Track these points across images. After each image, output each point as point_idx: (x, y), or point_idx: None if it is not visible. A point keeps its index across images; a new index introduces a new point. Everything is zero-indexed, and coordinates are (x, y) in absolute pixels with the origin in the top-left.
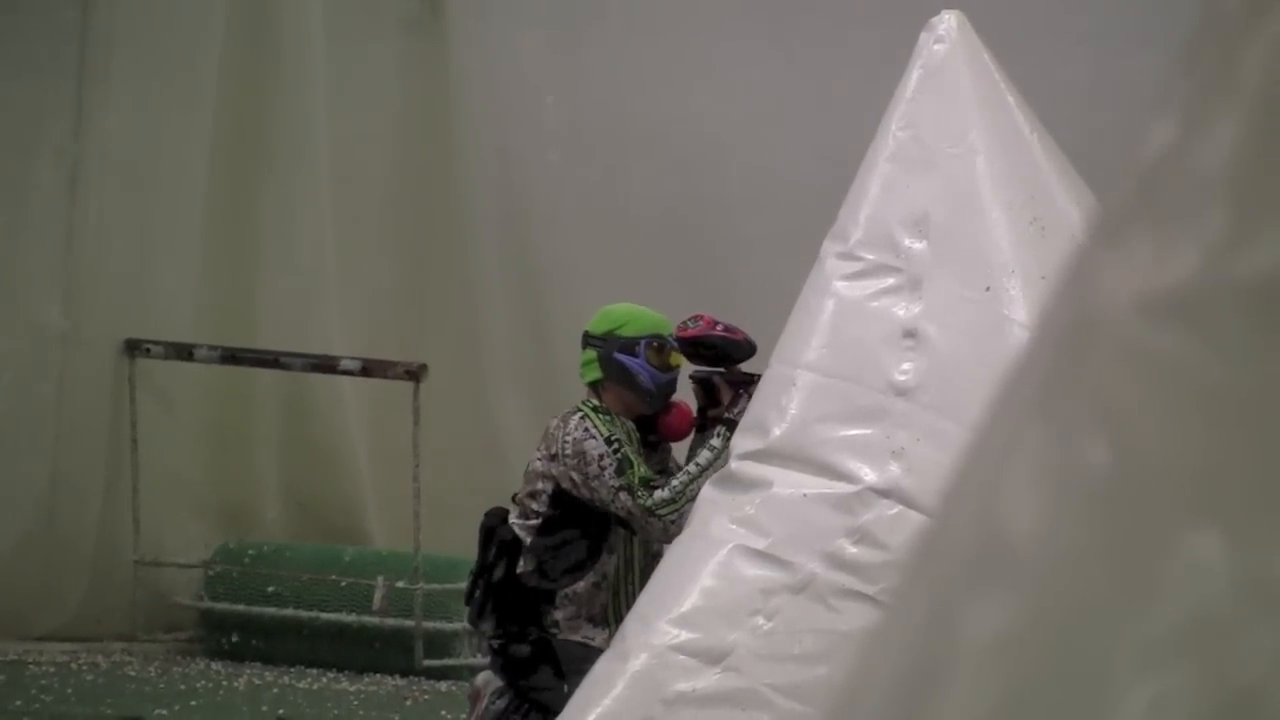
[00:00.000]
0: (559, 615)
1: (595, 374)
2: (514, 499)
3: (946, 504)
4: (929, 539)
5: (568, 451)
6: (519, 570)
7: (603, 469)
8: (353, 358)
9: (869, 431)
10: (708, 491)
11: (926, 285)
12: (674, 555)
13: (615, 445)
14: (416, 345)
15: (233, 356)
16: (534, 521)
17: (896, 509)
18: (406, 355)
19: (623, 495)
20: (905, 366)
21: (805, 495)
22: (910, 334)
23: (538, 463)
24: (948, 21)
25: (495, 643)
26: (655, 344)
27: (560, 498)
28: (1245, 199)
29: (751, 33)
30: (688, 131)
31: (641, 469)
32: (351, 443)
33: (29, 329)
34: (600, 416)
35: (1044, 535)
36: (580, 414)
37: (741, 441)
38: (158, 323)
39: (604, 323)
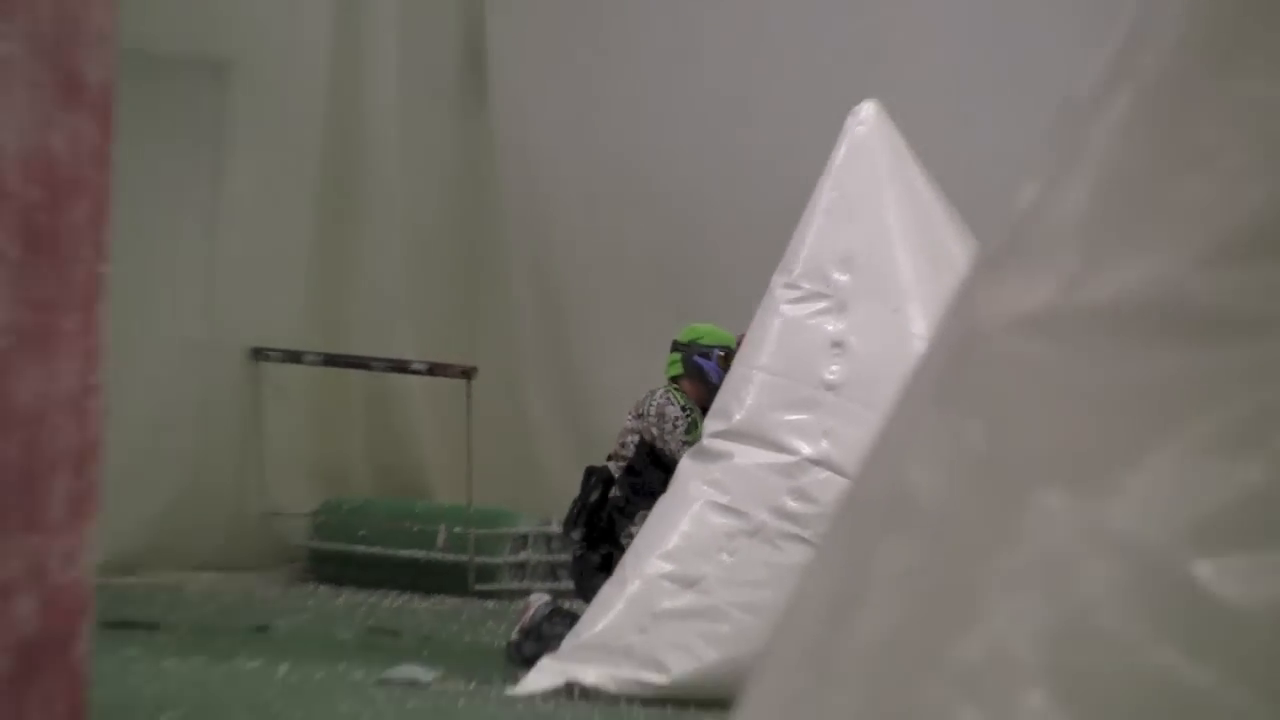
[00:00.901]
0: (633, 529)
1: (678, 370)
2: (610, 456)
3: (864, 470)
4: (850, 496)
5: (652, 413)
6: (611, 495)
7: (675, 427)
8: (420, 361)
9: (806, 417)
10: (685, 462)
11: (850, 308)
12: (661, 508)
13: (687, 413)
14: (469, 352)
15: (331, 360)
16: (623, 463)
17: (826, 474)
18: (461, 359)
19: (686, 448)
20: (833, 368)
21: (758, 464)
22: (837, 344)
23: (628, 421)
24: (868, 109)
25: (578, 549)
26: (723, 353)
27: (643, 447)
28: (1089, 245)
29: (730, 105)
30: (682, 189)
31: (700, 434)
32: (419, 424)
33: (181, 340)
34: (679, 394)
35: (936, 493)
36: (665, 390)
37: (711, 424)
38: (275, 334)
39: (689, 334)
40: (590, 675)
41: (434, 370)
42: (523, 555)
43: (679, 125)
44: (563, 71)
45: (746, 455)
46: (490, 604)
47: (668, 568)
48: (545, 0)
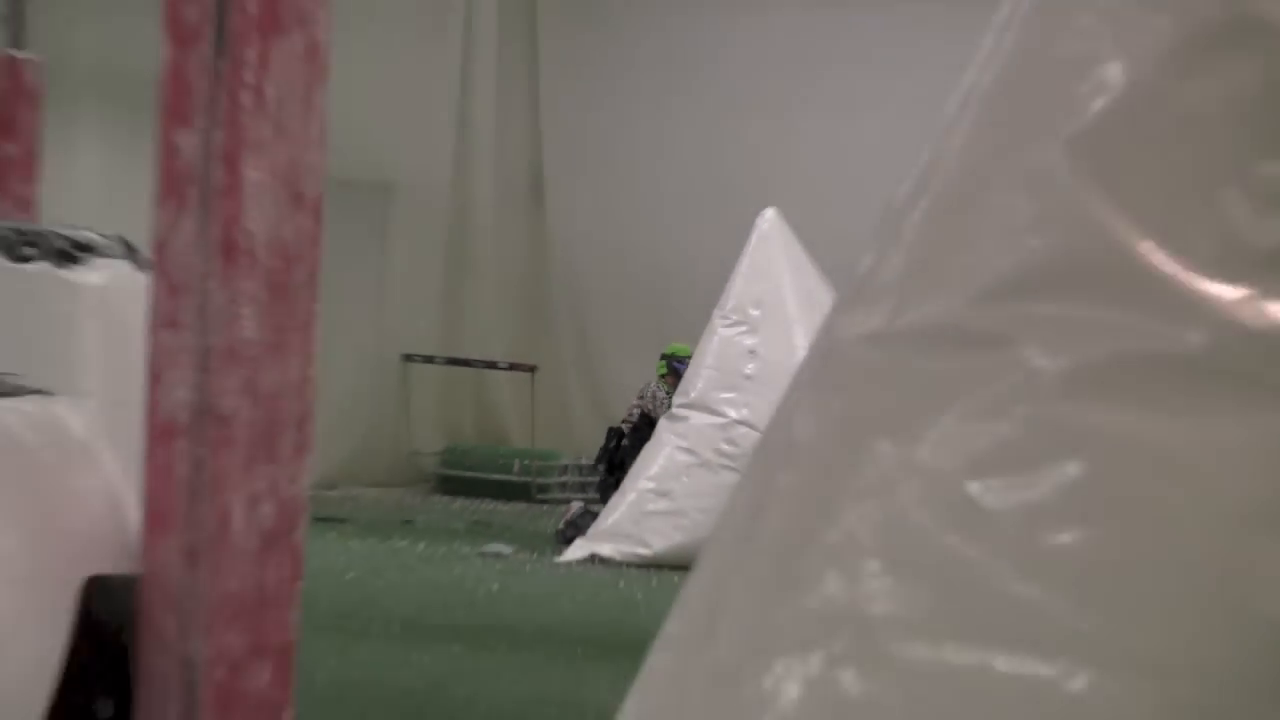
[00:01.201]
0: (632, 464)
1: (663, 370)
2: (622, 421)
3: (768, 427)
4: (760, 443)
5: (649, 395)
6: (621, 444)
7: (662, 404)
8: (503, 361)
9: (734, 395)
10: (662, 423)
11: (760, 330)
12: (647, 450)
13: (669, 395)
14: (532, 356)
15: (450, 360)
16: (629, 425)
17: (745, 430)
18: (527, 361)
19: (667, 416)
20: (750, 367)
21: (705, 424)
22: (752, 352)
23: (634, 401)
24: (770, 215)
25: (601, 475)
26: (688, 360)
27: (643, 417)
28: (902, 292)
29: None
30: (666, 264)
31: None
32: (503, 398)
33: (358, 349)
34: (664, 384)
35: (811, 441)
36: (656, 382)
37: (677, 400)
38: (417, 345)
39: (670, 349)
40: (605, 550)
41: (512, 367)
42: (565, 478)
43: (660, 222)
44: (594, 185)
45: (699, 419)
46: (545, 507)
47: (651, 485)
48: (581, 140)
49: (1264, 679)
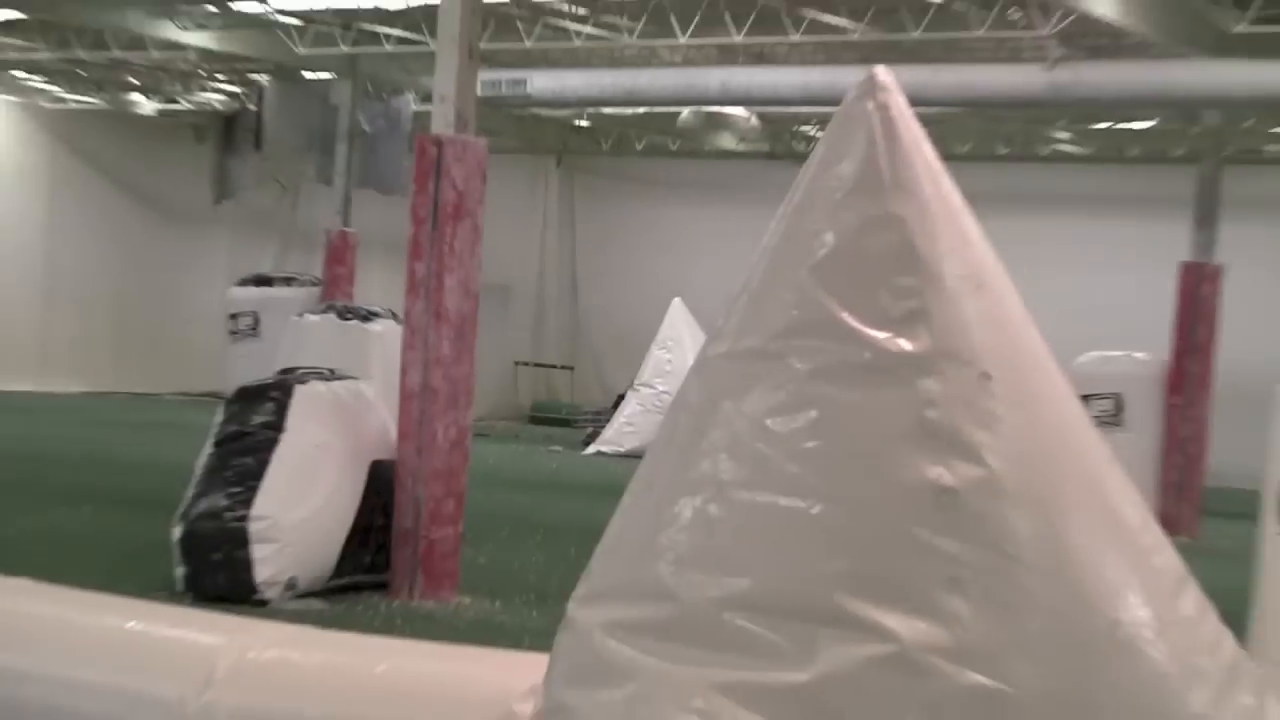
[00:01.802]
0: None
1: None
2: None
3: (677, 395)
4: (673, 401)
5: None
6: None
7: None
8: (560, 364)
9: (668, 386)
10: (629, 394)
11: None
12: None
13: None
14: (570, 359)
15: (535, 364)
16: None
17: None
18: (567, 363)
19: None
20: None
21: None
22: (668, 364)
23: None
24: (676, 302)
25: (607, 418)
26: None
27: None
28: (737, 332)
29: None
30: (651, 325)
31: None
32: (559, 384)
33: (494, 360)
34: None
35: (694, 400)
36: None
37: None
38: (522, 356)
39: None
40: (607, 448)
41: (563, 367)
42: (589, 416)
43: (639, 308)
44: (604, 288)
45: (647, 392)
46: (578, 430)
47: (623, 419)
48: (601, 243)
49: (906, 510)
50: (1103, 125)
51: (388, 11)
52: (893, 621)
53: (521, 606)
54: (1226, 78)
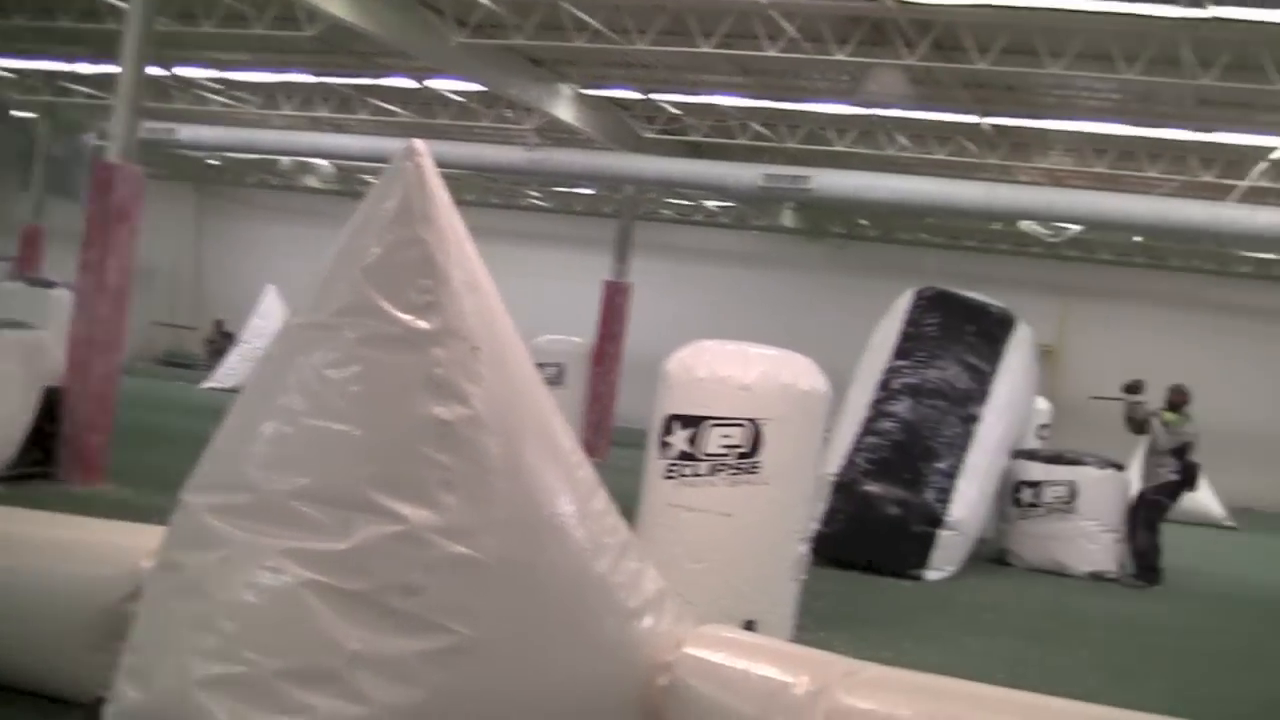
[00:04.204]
0: None
1: None
2: None
3: (266, 351)
4: (263, 355)
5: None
6: None
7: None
8: (187, 325)
9: None
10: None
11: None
12: None
13: None
14: (193, 322)
15: (163, 324)
16: None
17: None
18: (191, 324)
19: None
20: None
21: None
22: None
23: None
24: (269, 290)
25: None
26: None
27: None
28: (306, 309)
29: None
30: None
31: None
32: (189, 340)
33: (146, 319)
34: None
35: (276, 354)
36: None
37: None
38: (161, 317)
39: None
40: (216, 385)
41: (187, 328)
42: (204, 362)
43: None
44: (226, 267)
45: None
46: (199, 373)
47: (233, 371)
48: (221, 245)
49: (417, 435)
50: (561, 189)
51: (79, 74)
52: (405, 509)
53: (151, 493)
54: (639, 165)
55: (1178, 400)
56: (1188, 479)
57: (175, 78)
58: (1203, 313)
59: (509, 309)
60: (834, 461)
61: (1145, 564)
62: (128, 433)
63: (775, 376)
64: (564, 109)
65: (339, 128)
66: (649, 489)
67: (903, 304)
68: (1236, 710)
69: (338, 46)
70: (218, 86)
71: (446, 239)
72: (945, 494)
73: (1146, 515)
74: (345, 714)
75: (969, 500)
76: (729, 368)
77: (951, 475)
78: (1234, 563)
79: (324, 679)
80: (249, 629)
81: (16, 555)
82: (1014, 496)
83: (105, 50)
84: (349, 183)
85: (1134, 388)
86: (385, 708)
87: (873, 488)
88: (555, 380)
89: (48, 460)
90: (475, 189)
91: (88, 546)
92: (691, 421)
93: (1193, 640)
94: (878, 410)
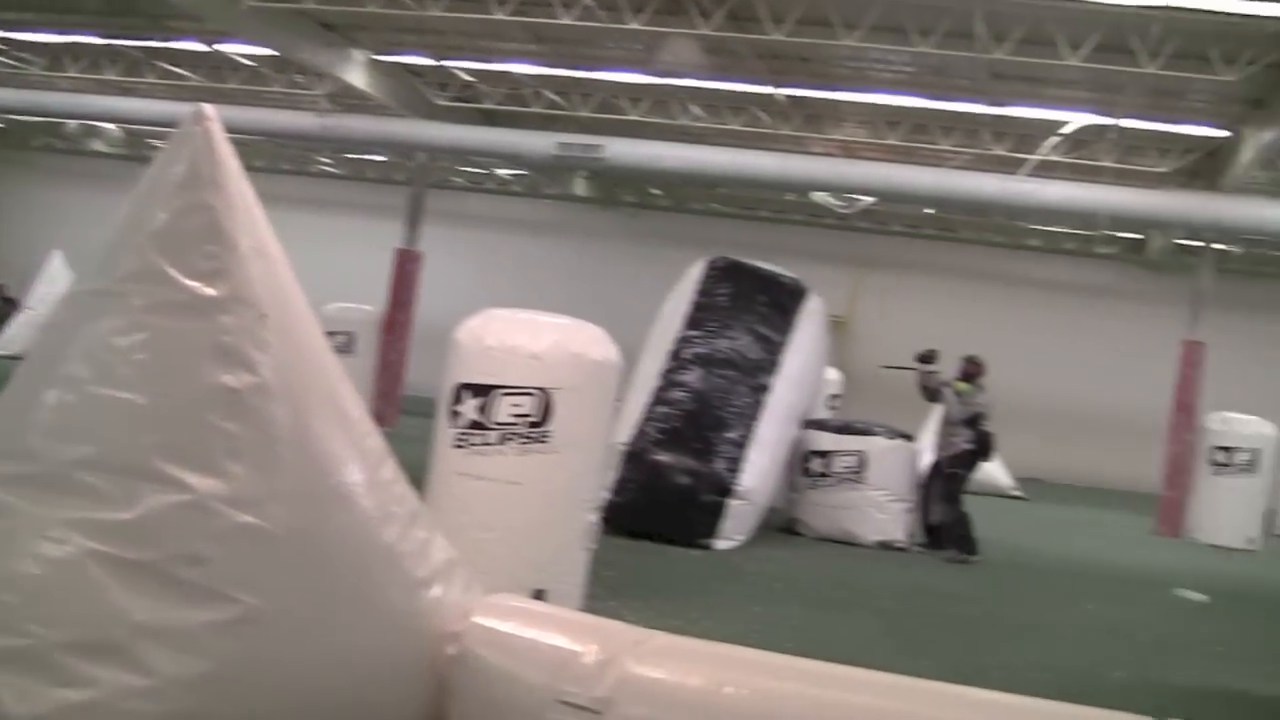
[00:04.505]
0: None
1: None
2: None
3: (49, 319)
4: (46, 321)
5: None
6: None
7: None
8: None
9: None
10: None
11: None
12: None
13: None
14: None
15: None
16: None
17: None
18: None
19: None
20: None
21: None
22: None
23: None
24: (55, 256)
25: None
26: None
27: None
28: (91, 275)
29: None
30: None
31: None
32: None
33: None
34: None
35: (59, 321)
36: None
37: None
38: None
39: None
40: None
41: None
42: None
43: (45, 253)
44: (11, 232)
45: None
46: None
47: (17, 336)
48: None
49: (204, 403)
50: (353, 156)
51: None
52: (191, 479)
53: None
54: (431, 133)
55: (972, 371)
56: (982, 449)
57: None
58: (993, 285)
59: (299, 276)
60: (625, 431)
61: (957, 535)
62: None
63: (566, 346)
64: (356, 75)
65: (127, 91)
66: (439, 458)
67: (694, 274)
68: (1025, 677)
69: (126, 8)
70: (1, 47)
71: (235, 205)
72: (735, 463)
73: (945, 488)
74: (131, 686)
75: (759, 470)
76: (519, 337)
77: (742, 445)
78: (1024, 533)
79: (109, 651)
80: (32, 601)
81: None
82: (804, 466)
83: None
84: (137, 147)
85: (927, 358)
86: (171, 679)
87: (663, 457)
88: (345, 348)
89: None
90: (266, 155)
91: None
92: (481, 390)
93: (981, 608)
94: (668, 380)
